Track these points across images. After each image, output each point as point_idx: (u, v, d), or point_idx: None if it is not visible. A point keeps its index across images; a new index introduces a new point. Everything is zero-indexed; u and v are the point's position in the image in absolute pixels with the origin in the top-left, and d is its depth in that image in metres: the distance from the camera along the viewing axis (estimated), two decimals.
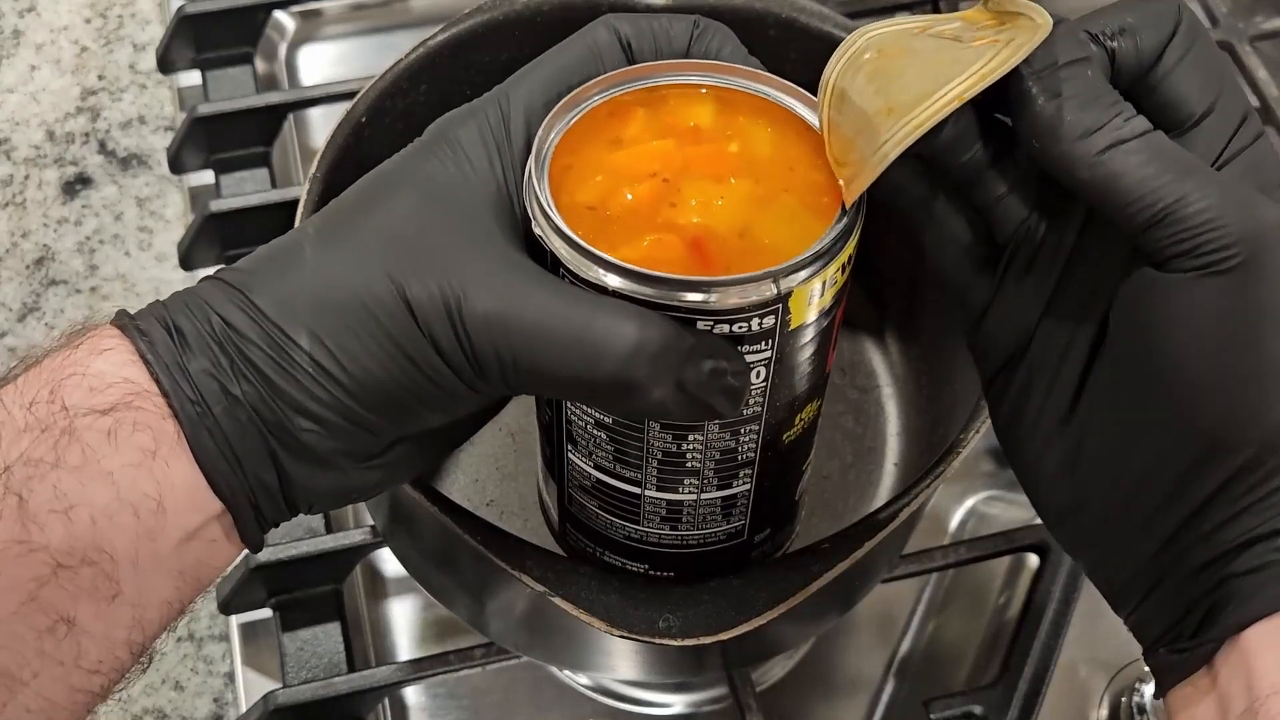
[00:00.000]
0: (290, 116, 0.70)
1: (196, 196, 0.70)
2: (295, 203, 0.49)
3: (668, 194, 0.36)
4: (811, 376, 0.39)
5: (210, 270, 0.65)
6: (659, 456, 0.39)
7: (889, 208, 0.38)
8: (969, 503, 0.62)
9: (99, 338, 0.35)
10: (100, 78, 0.76)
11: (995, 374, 0.39)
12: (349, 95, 0.52)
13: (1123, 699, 0.55)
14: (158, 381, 0.34)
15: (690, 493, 0.40)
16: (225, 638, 0.58)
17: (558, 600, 0.41)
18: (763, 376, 0.37)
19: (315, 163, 0.50)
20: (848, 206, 0.36)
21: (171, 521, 0.34)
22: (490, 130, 0.37)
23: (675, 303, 0.34)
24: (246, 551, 0.55)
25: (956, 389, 0.53)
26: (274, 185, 0.69)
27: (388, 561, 0.60)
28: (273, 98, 0.69)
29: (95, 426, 0.33)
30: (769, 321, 0.35)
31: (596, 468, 0.40)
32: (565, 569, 0.41)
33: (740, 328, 0.35)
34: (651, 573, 0.43)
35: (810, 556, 0.42)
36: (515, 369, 0.35)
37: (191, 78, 0.73)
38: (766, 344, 0.36)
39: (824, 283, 0.35)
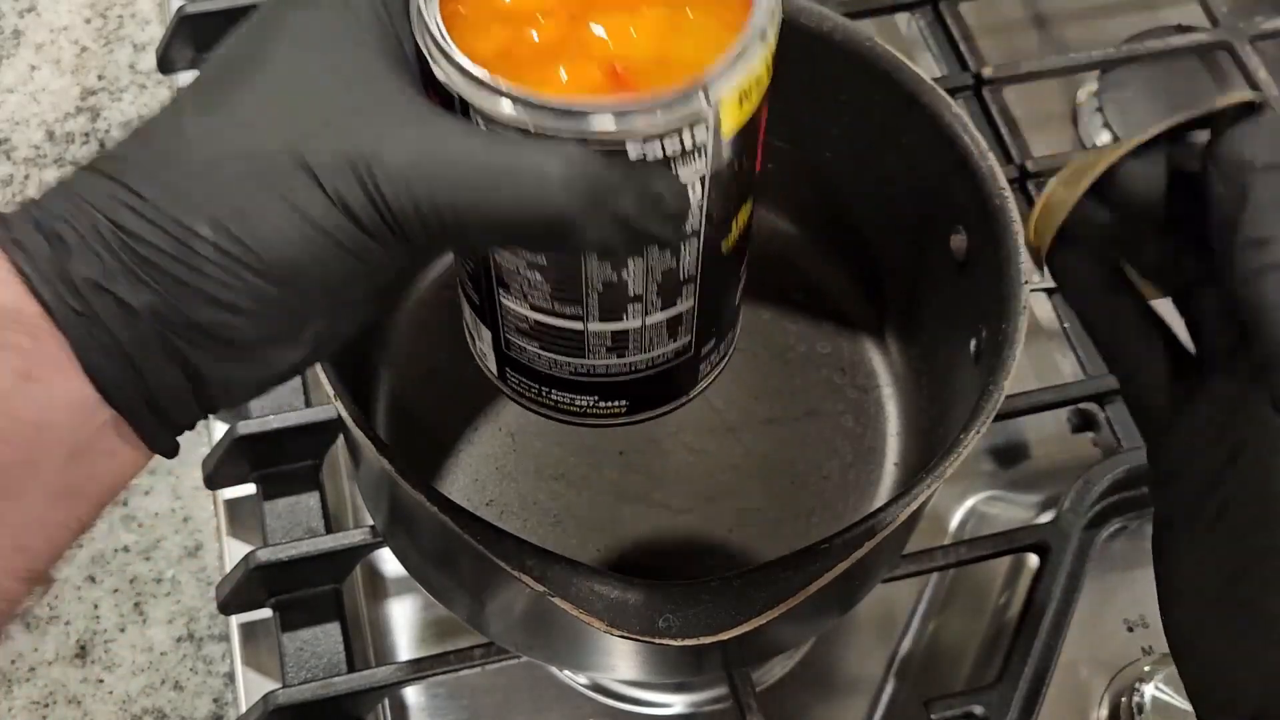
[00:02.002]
0: None
1: None
2: None
3: (576, 30, 0.35)
4: (746, 180, 0.37)
5: None
6: (599, 289, 0.37)
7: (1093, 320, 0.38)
8: (969, 502, 0.62)
9: None
10: (100, 78, 0.76)
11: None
12: None
13: (1123, 699, 0.55)
14: (37, 296, 0.31)
15: (635, 319, 0.39)
16: (225, 638, 0.58)
17: (557, 600, 0.41)
18: (699, 192, 0.35)
19: None
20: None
21: (55, 441, 0.32)
22: None
23: (602, 133, 0.32)
24: (247, 552, 0.55)
25: (957, 388, 0.53)
26: None
27: (387, 561, 0.60)
28: None
29: None
30: (701, 136, 0.34)
31: (534, 309, 0.38)
32: (565, 569, 0.41)
33: (673, 148, 0.33)
34: (602, 403, 0.42)
35: (810, 556, 0.42)
36: (440, 224, 0.32)
37: (191, 78, 0.73)
38: (701, 158, 0.34)
39: (751, 82, 0.34)
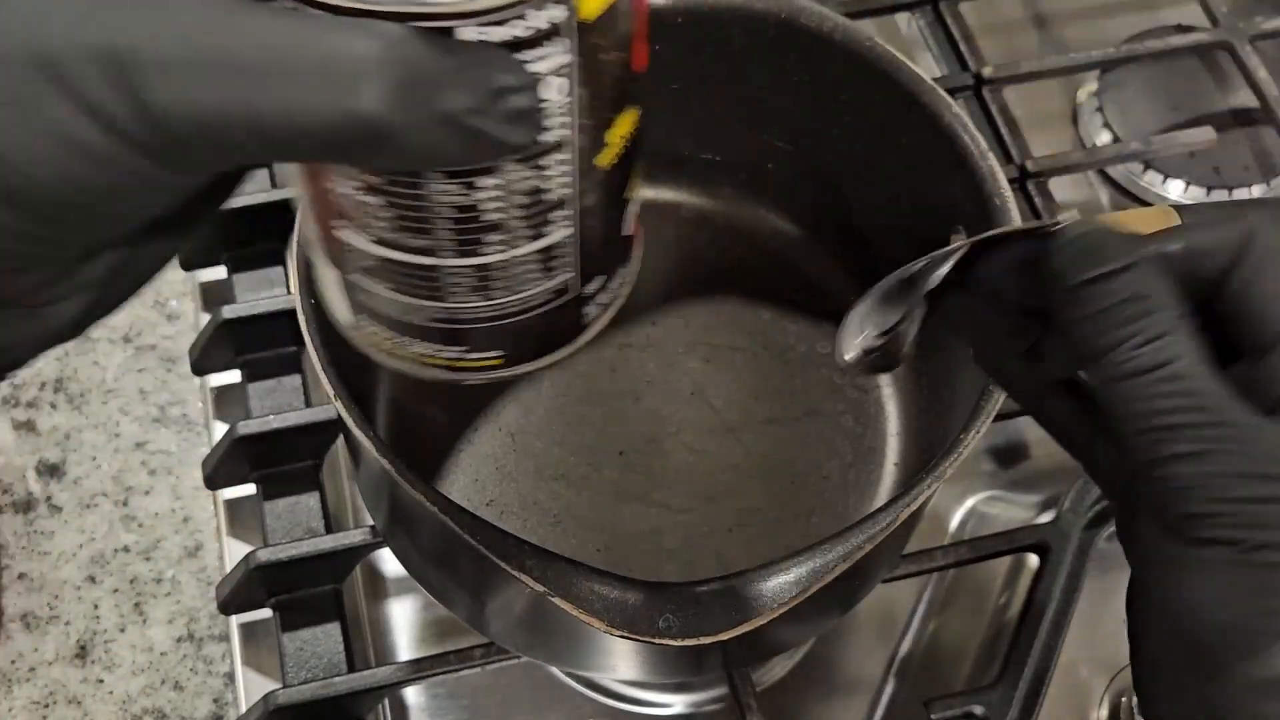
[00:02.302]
0: None
1: None
2: (295, 202, 0.49)
3: None
4: (623, 78, 0.32)
5: (215, 277, 0.66)
6: (449, 214, 0.31)
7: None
8: (969, 503, 0.62)
9: None
10: None
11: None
12: None
13: (1123, 699, 0.55)
14: None
15: (497, 252, 0.33)
16: (225, 638, 0.59)
17: (557, 600, 0.41)
18: (564, 90, 0.29)
19: None
20: None
21: None
22: None
23: (424, 8, 0.26)
24: (247, 552, 0.55)
25: (957, 388, 0.53)
26: (274, 185, 0.69)
27: (387, 561, 0.60)
28: None
29: None
30: (557, 14, 0.28)
31: (378, 243, 0.32)
32: (565, 569, 0.41)
33: (518, 30, 0.27)
34: (471, 354, 0.36)
35: (810, 556, 0.42)
36: (225, 131, 0.26)
37: None
38: (559, 46, 0.29)
39: None
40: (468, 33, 0.27)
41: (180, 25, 0.26)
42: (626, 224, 0.37)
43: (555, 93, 0.29)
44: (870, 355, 0.41)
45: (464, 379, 0.37)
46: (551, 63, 0.29)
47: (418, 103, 0.26)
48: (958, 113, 0.52)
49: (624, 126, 0.33)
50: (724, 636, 0.41)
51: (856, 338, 0.41)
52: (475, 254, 0.32)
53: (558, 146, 0.31)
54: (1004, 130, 0.69)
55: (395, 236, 0.32)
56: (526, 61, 0.28)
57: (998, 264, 0.37)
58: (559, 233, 0.33)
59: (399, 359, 0.37)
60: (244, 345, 0.62)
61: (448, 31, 0.27)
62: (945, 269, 0.38)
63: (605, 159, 0.33)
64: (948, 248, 0.38)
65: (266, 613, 0.57)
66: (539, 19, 0.27)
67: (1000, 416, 0.46)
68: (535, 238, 0.33)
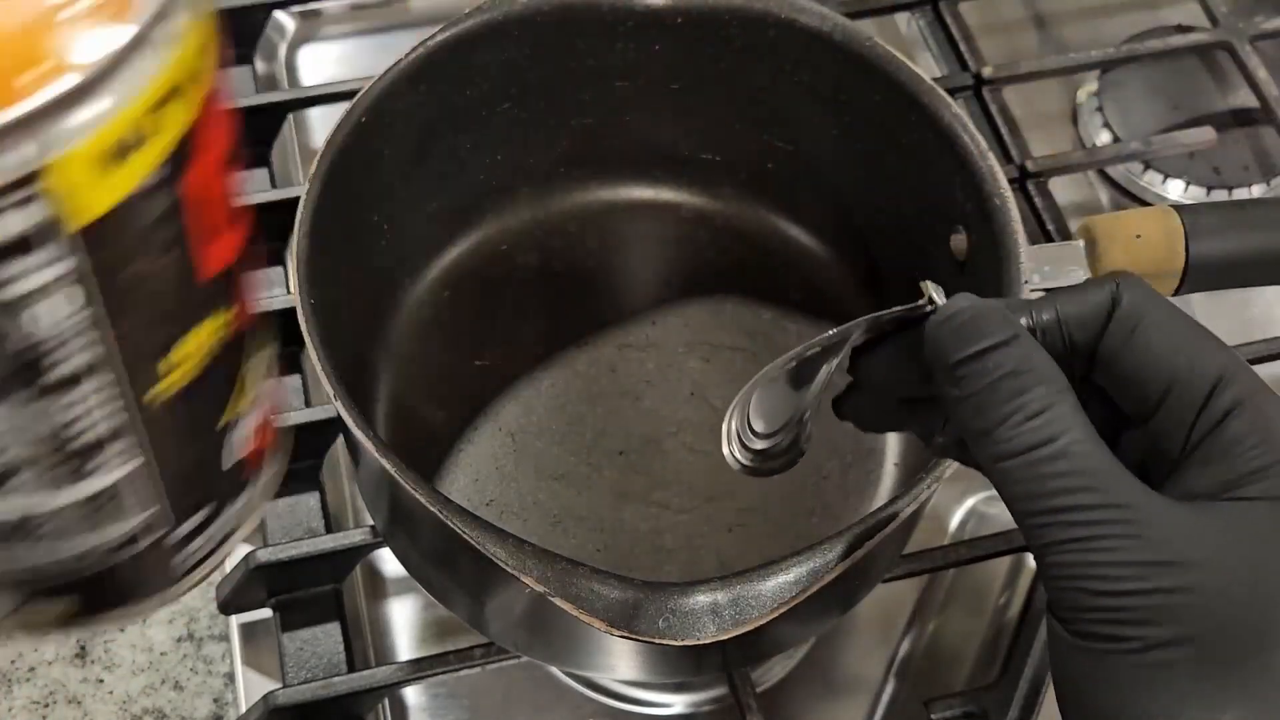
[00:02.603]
0: (290, 116, 0.70)
1: None
2: (295, 202, 0.49)
3: None
4: (179, 291, 0.25)
5: None
6: None
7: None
8: (969, 503, 0.62)
9: None
10: None
11: None
12: (349, 95, 0.52)
13: None
14: None
15: (22, 495, 0.26)
16: (225, 638, 0.59)
17: (557, 600, 0.41)
18: (71, 309, 0.23)
19: (315, 163, 0.50)
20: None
21: None
22: None
23: None
24: (248, 552, 0.55)
25: None
26: (273, 185, 0.69)
27: (387, 561, 0.60)
28: (273, 97, 0.69)
29: None
30: (32, 215, 0.21)
31: None
32: (565, 569, 0.41)
33: None
34: (35, 605, 0.30)
35: (810, 556, 0.42)
36: None
37: None
38: (46, 257, 0.22)
39: (132, 135, 0.22)
40: None
41: None
42: (230, 452, 0.30)
43: (51, 315, 0.23)
44: (764, 458, 0.40)
45: (41, 631, 0.31)
46: (38, 279, 0.22)
47: None
48: (957, 113, 0.52)
49: (192, 345, 0.26)
50: (724, 636, 0.41)
51: (745, 441, 0.40)
52: None
53: (94, 369, 0.24)
54: (1004, 130, 0.69)
55: None
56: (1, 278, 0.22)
57: (879, 361, 0.37)
58: (114, 474, 0.27)
59: None
60: None
61: None
62: (834, 361, 0.37)
63: (165, 389, 0.26)
64: (819, 338, 0.37)
65: (266, 613, 0.57)
66: (17, 222, 0.21)
67: None
68: (76, 481, 0.27)
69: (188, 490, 0.29)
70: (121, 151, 0.22)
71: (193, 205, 0.24)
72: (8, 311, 0.22)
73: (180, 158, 0.23)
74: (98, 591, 0.30)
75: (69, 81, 0.20)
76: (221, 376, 0.28)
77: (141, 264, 0.24)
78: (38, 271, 0.22)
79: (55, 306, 0.23)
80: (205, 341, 0.27)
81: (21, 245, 0.21)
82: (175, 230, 0.24)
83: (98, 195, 0.22)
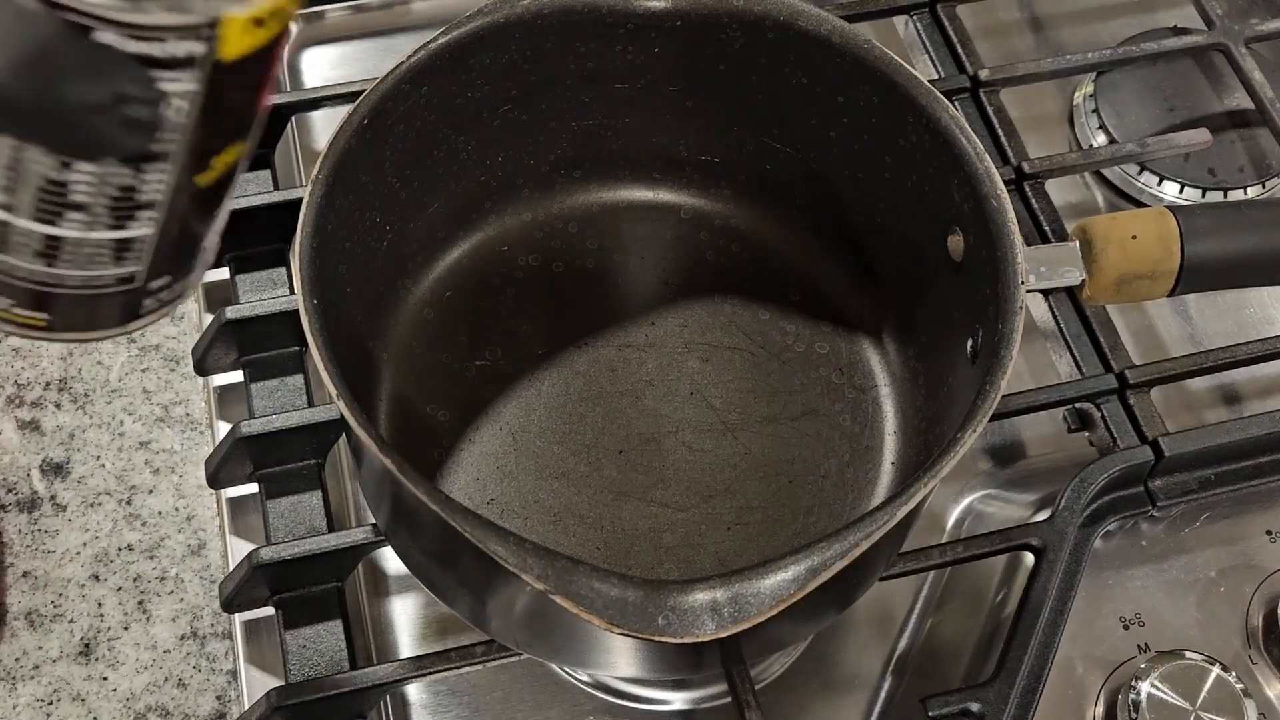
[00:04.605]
0: (293, 118, 0.71)
1: None
2: (298, 203, 0.49)
3: None
4: (241, 118, 0.34)
5: (218, 278, 0.66)
6: (37, 182, 0.32)
7: None
8: (966, 501, 0.63)
9: None
10: None
11: None
12: (351, 97, 0.53)
13: (1119, 696, 0.56)
14: None
15: (75, 229, 0.34)
16: (228, 636, 0.59)
17: (558, 598, 0.41)
18: (183, 113, 0.31)
19: (318, 164, 0.50)
20: None
21: None
22: None
23: (74, 4, 0.28)
24: (250, 551, 0.56)
25: (953, 388, 0.53)
26: (276, 186, 0.69)
27: (389, 560, 0.60)
28: (275, 99, 0.70)
29: None
30: (197, 49, 0.30)
31: None
32: (566, 567, 0.42)
33: (155, 50, 0.29)
34: (17, 309, 0.36)
35: (808, 554, 0.43)
36: None
37: None
38: (189, 75, 0.31)
39: (269, 10, 0.31)
40: (105, 36, 0.29)
41: None
42: (211, 237, 0.39)
43: (174, 113, 0.31)
44: None
45: (2, 329, 0.38)
46: (179, 87, 0.31)
47: (35, 77, 0.27)
48: (955, 114, 0.52)
49: (231, 155, 0.35)
50: (723, 634, 0.41)
51: None
52: (50, 224, 0.34)
53: (161, 156, 0.33)
54: (1000, 132, 0.69)
55: None
56: (156, 80, 0.30)
57: None
58: (140, 230, 0.35)
59: None
60: (247, 345, 0.62)
61: (86, 29, 0.29)
62: None
63: (205, 179, 0.35)
64: None
65: (269, 611, 0.57)
66: (178, 48, 0.30)
67: (997, 416, 0.46)
68: (115, 228, 0.34)
69: (170, 256, 0.37)
70: (258, 24, 0.31)
71: (269, 71, 0.34)
72: (156, 101, 0.31)
73: (274, 43, 0.33)
74: (70, 314, 0.37)
75: None
76: (227, 184, 0.37)
77: (233, 95, 0.33)
78: (185, 82, 0.31)
79: (179, 106, 0.31)
80: (229, 160, 0.35)
81: (187, 62, 0.30)
82: (259, 78, 0.33)
83: (238, 45, 0.31)
